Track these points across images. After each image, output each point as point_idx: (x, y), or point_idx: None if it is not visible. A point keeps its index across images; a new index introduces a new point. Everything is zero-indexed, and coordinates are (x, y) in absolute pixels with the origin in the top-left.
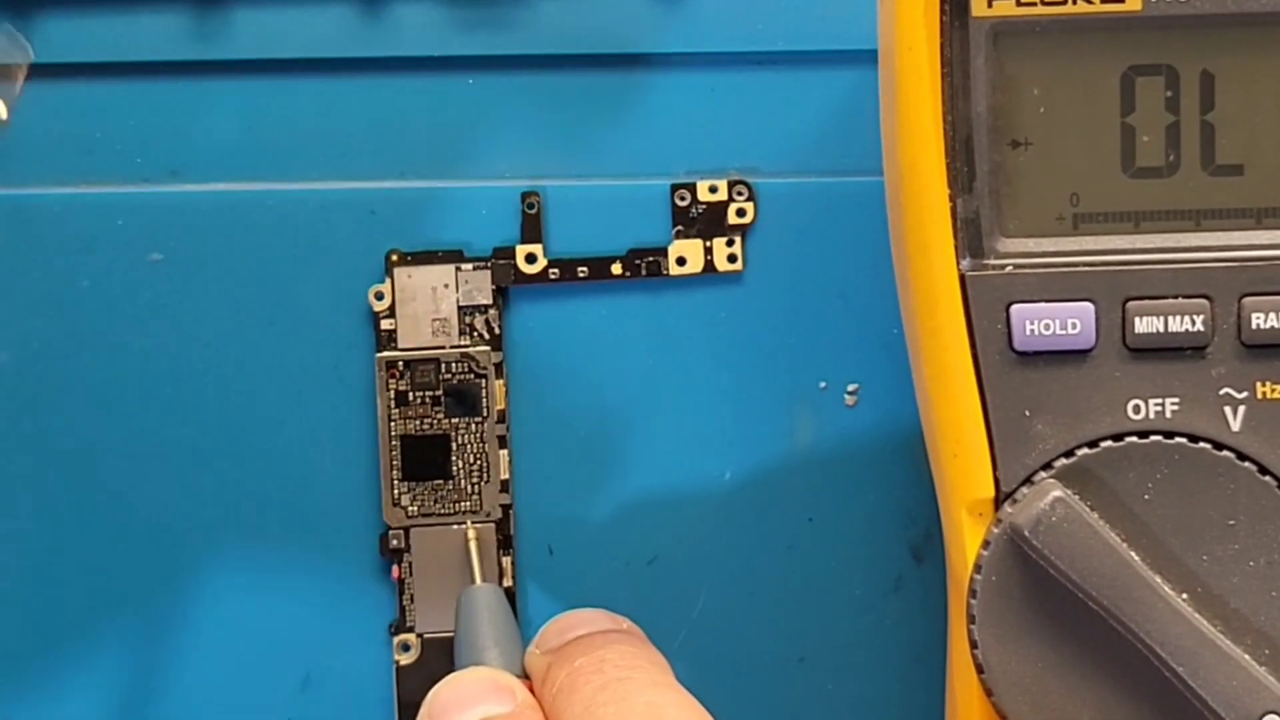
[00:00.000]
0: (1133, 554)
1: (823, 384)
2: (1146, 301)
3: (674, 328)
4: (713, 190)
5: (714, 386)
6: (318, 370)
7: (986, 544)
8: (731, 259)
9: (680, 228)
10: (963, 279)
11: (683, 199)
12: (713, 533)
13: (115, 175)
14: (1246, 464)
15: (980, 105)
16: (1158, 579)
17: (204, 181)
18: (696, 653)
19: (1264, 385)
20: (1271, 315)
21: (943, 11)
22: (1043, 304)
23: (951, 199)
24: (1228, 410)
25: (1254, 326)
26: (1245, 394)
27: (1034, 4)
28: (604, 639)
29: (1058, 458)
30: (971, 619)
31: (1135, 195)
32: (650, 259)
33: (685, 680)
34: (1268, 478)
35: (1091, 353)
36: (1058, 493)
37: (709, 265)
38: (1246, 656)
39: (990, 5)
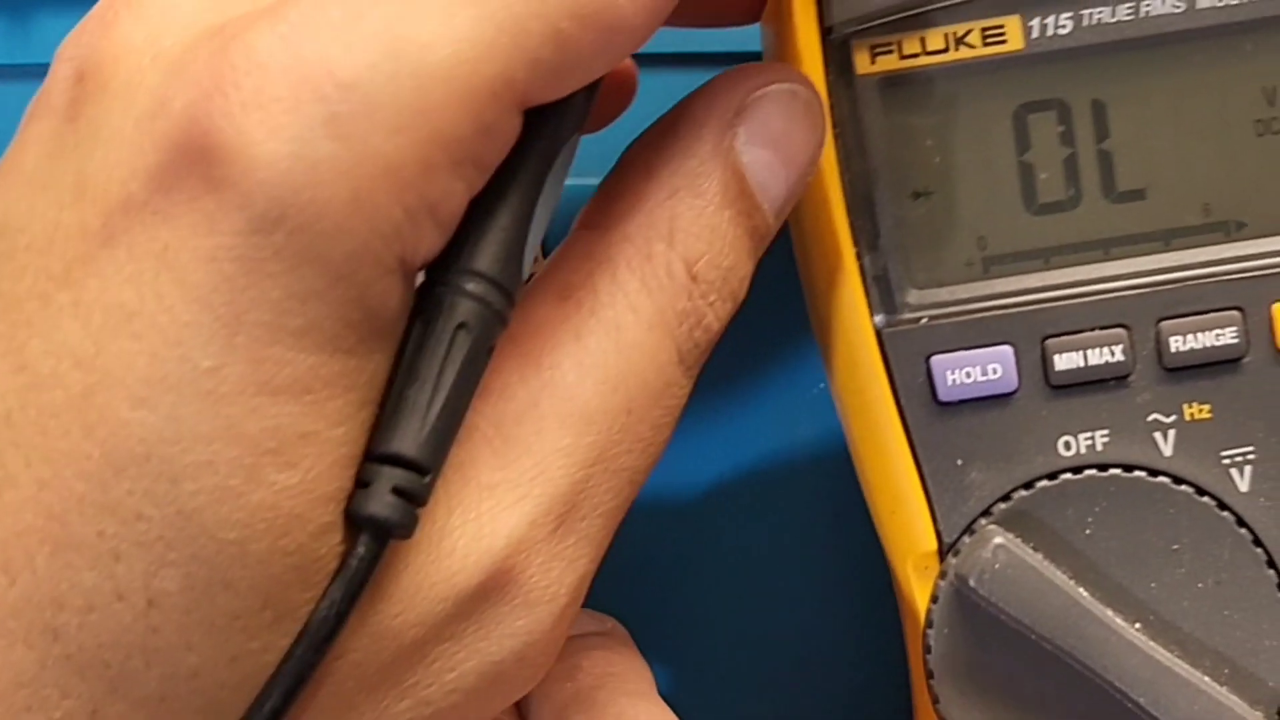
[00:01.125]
0: (1081, 590)
1: (822, 384)
2: (1064, 338)
3: None
4: None
5: (713, 386)
6: None
7: (935, 598)
8: None
9: None
10: (879, 335)
11: None
12: (710, 533)
13: None
14: (1183, 487)
15: (876, 161)
16: (1109, 612)
17: None
18: (694, 653)
19: (1191, 407)
20: (1190, 337)
21: (828, 73)
22: (962, 352)
23: (859, 257)
24: (1158, 436)
25: (1174, 350)
26: (1173, 417)
27: (917, 55)
28: (582, 643)
29: (995, 503)
30: (930, 674)
31: (1041, 232)
32: None
33: (682, 681)
34: (1205, 498)
35: (1016, 395)
36: (999, 539)
37: None
38: (1207, 679)
39: (874, 61)
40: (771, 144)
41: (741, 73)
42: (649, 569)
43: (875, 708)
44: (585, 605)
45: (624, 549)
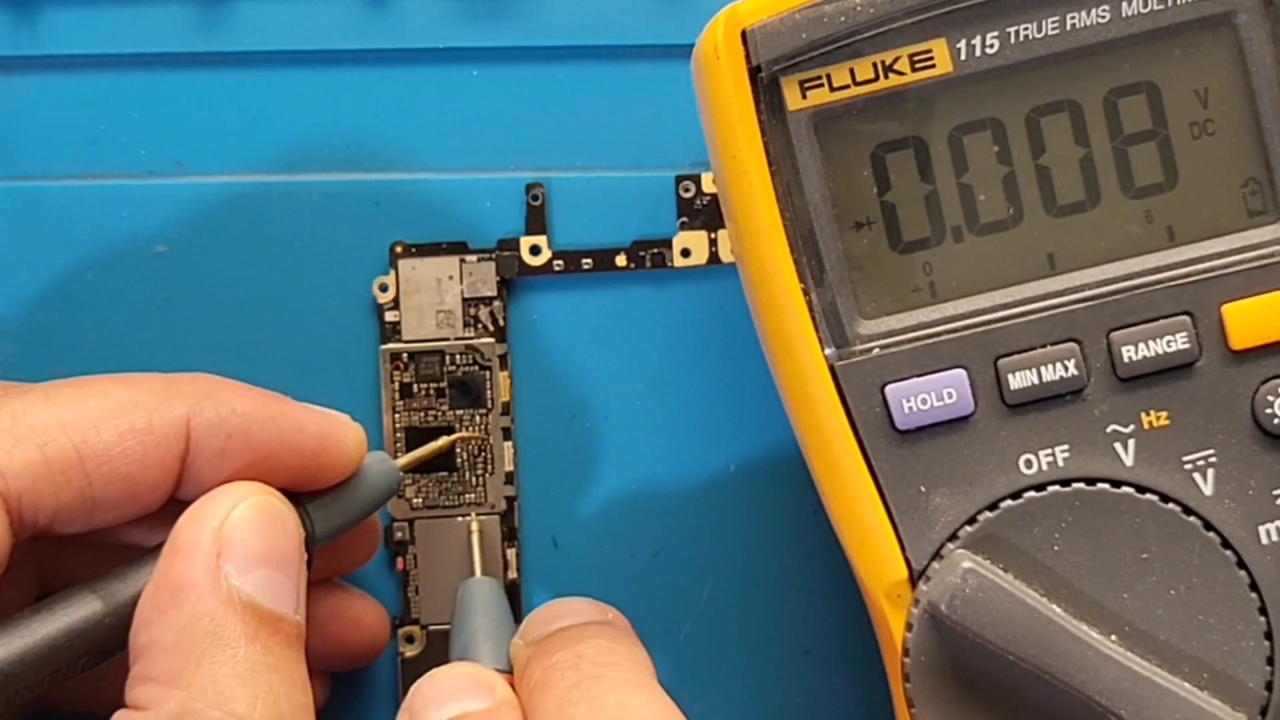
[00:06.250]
0: (1054, 607)
1: None
2: (1016, 356)
3: (679, 319)
4: (716, 181)
5: (719, 378)
6: (322, 362)
7: (910, 626)
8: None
9: (685, 219)
10: (832, 369)
11: (687, 190)
12: (718, 525)
13: (120, 167)
14: (1148, 495)
15: (815, 196)
16: (1084, 627)
17: (209, 173)
18: (702, 644)
19: (1148, 415)
20: (1142, 346)
21: (759, 112)
22: (915, 379)
23: (805, 292)
24: (1118, 446)
25: (1126, 360)
26: (1132, 427)
27: (847, 86)
28: (584, 632)
29: (961, 527)
30: (910, 703)
31: (986, 252)
32: (655, 250)
33: (690, 672)
34: (1171, 505)
35: (973, 417)
36: (967, 563)
37: (713, 257)
38: (1187, 685)
39: (805, 97)
40: (261, 560)
41: (199, 512)
42: (651, 559)
43: (875, 698)
44: (587, 596)
45: (627, 539)
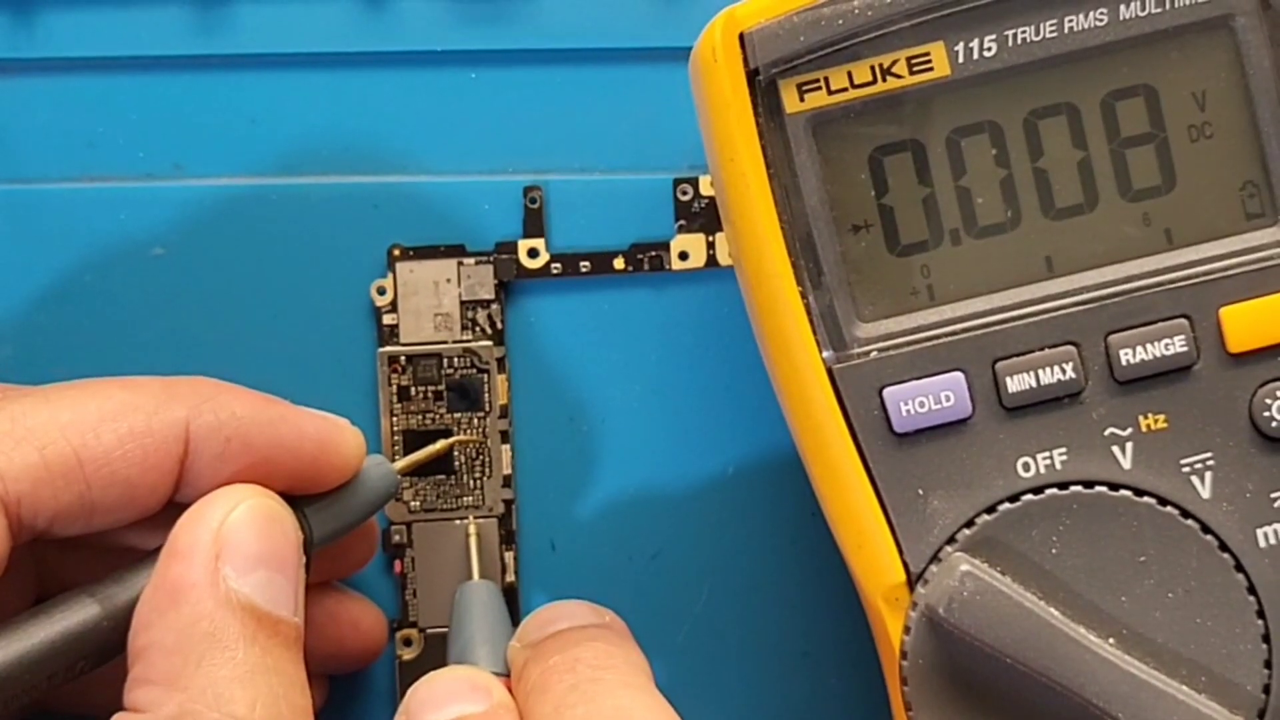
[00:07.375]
0: (1052, 610)
1: None
2: (1015, 359)
3: (677, 322)
4: (714, 184)
5: (717, 381)
6: (320, 365)
7: (907, 629)
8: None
9: (683, 222)
10: (830, 372)
11: (685, 193)
12: (716, 527)
13: (118, 169)
14: (1145, 499)
15: (813, 199)
16: (1081, 630)
17: (207, 176)
18: (700, 647)
19: (1146, 418)
20: (1139, 349)
21: (757, 115)
22: (913, 382)
23: (803, 295)
24: (1116, 450)
25: (1124, 363)
26: (1130, 430)
27: (845, 89)
28: (581, 635)
29: (959, 530)
30: (908, 706)
31: (984, 255)
32: (653, 253)
33: (688, 675)
34: (1169, 508)
35: (971, 420)
36: (965, 566)
37: (711, 260)
38: (1185, 688)
39: (803, 99)
40: (260, 562)
41: (198, 514)
42: (649, 562)
43: (873, 701)
44: (585, 599)
45: (625, 542)
